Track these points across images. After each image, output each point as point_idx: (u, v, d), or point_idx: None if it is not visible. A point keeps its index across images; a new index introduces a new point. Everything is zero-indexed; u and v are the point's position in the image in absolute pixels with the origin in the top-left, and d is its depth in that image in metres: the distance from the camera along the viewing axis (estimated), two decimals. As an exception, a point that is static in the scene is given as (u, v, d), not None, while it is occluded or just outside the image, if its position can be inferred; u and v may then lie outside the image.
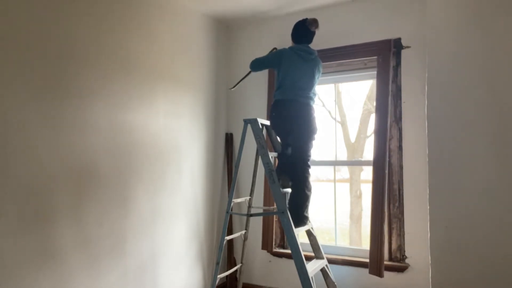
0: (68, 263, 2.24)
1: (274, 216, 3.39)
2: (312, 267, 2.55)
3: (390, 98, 2.99)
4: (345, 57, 3.23)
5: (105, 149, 2.50)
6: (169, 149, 3.06)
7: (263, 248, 3.45)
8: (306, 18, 2.71)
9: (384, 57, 3.00)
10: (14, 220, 1.98)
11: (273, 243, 3.43)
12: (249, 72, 3.02)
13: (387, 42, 3.01)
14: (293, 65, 2.63)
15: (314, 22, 2.69)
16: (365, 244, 2.87)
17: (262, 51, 3.33)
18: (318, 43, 2.81)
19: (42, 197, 2.12)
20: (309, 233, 2.84)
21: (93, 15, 2.44)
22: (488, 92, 2.17)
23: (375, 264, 2.87)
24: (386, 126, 2.95)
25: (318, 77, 2.77)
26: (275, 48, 3.23)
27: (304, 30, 2.70)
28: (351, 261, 3.13)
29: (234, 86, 3.37)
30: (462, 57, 2.25)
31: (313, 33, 2.72)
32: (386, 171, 2.93)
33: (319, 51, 2.92)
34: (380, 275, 2.84)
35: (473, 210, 2.17)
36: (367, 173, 2.89)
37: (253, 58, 2.90)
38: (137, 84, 2.77)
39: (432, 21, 2.36)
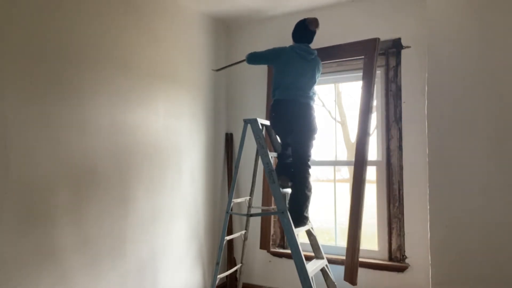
0: (68, 263, 2.24)
1: (273, 216, 3.39)
2: (312, 267, 2.55)
3: (372, 100, 2.88)
4: (330, 58, 3.12)
5: (105, 149, 2.50)
6: (169, 149, 3.06)
7: (261, 247, 3.45)
8: (306, 18, 2.72)
9: (369, 57, 2.90)
10: (14, 220, 1.98)
11: (271, 242, 3.43)
12: (242, 61, 3.01)
13: (372, 41, 2.90)
14: (293, 64, 2.63)
15: (314, 21, 2.69)
16: (365, 244, 2.87)
17: (262, 51, 3.32)
18: (316, 42, 2.81)
19: (42, 197, 2.12)
20: (309, 233, 2.84)
21: (92, 15, 2.44)
22: (488, 92, 2.17)
23: (348, 270, 2.74)
24: (367, 124, 2.84)
25: (318, 77, 2.77)
26: None
27: (303, 29, 2.71)
28: (351, 261, 3.12)
29: (218, 69, 3.39)
30: (462, 57, 2.25)
31: (312, 33, 2.72)
32: (365, 168, 2.82)
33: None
34: (352, 282, 2.73)
35: (473, 210, 2.17)
36: (367, 173, 2.89)
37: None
38: (137, 84, 2.76)
39: (432, 21, 2.35)
